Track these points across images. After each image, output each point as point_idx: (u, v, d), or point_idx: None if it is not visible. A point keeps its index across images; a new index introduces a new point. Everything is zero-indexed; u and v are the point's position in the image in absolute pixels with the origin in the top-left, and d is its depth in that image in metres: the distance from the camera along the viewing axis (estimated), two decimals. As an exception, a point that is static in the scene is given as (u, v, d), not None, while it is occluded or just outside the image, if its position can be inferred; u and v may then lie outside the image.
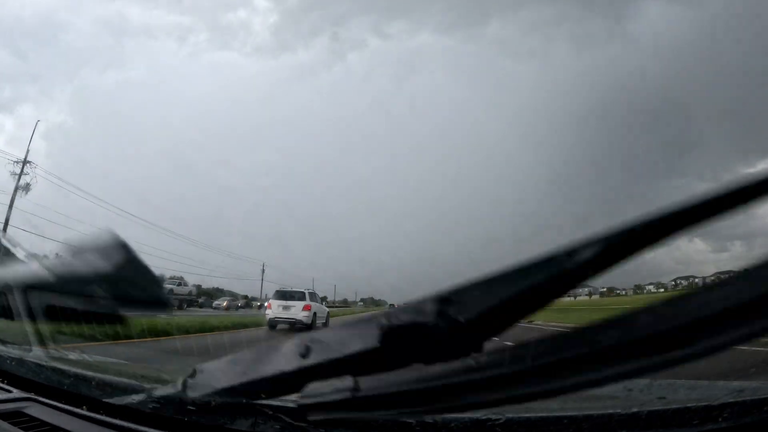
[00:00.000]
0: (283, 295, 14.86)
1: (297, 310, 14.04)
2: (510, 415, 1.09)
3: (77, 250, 1.26)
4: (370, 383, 0.85)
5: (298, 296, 14.69)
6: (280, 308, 14.15)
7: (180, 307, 27.94)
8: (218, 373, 1.07)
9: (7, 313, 1.39)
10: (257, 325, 13.45)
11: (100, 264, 1.19)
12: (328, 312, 17.66)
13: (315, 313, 14.54)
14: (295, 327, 13.50)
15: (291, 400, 1.55)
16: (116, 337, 8.03)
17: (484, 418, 1.06)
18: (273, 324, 14.01)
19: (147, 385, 1.36)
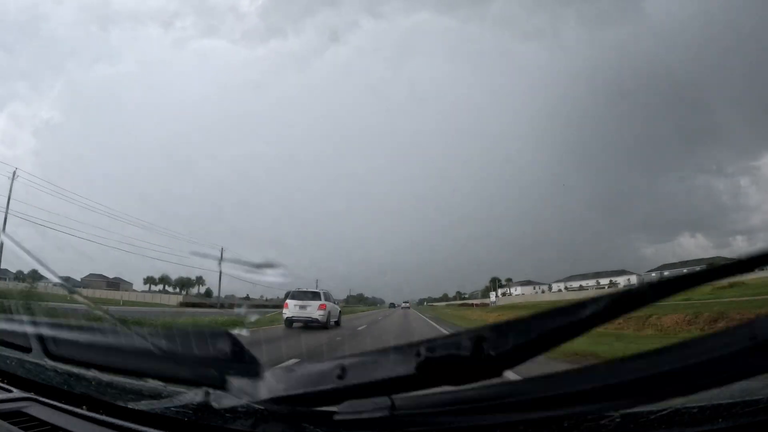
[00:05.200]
0: (300, 295, 15.47)
1: (313, 309, 14.70)
2: (510, 416, 1.09)
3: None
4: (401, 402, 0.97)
5: (314, 296, 15.38)
6: (297, 307, 14.83)
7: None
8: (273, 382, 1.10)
9: (7, 313, 1.39)
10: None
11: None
12: (340, 311, 18.15)
13: (329, 312, 15.01)
14: (310, 325, 14.10)
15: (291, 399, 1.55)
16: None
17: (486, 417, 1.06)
18: (290, 322, 14.61)
19: (147, 385, 1.36)
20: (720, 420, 0.94)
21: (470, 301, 77.13)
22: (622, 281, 71.50)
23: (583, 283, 76.49)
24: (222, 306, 43.38)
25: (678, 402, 1.09)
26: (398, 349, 0.97)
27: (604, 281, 72.53)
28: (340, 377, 0.98)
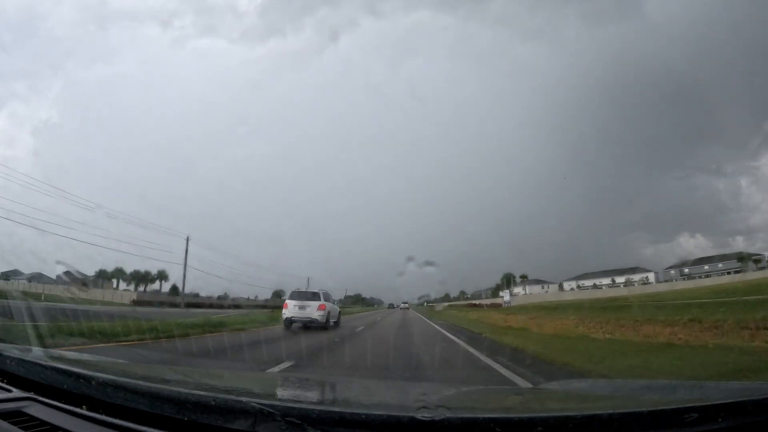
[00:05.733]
0: (299, 295, 15.54)
1: (312, 310, 14.72)
2: (511, 416, 1.09)
3: None
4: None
5: (313, 296, 15.40)
6: (296, 308, 14.87)
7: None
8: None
9: (7, 313, 1.39)
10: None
11: None
12: (340, 311, 18.12)
13: (329, 312, 15.08)
14: (310, 326, 14.10)
15: (291, 400, 1.56)
16: (117, 337, 8.05)
17: (484, 417, 1.06)
18: (289, 323, 14.72)
19: (147, 385, 1.36)
20: (720, 420, 0.94)
21: (476, 302, 67.80)
22: (638, 279, 67.22)
23: (597, 281, 70.39)
24: (187, 306, 37.55)
25: (678, 401, 1.09)
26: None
27: (620, 279, 68.20)
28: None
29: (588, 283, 72.50)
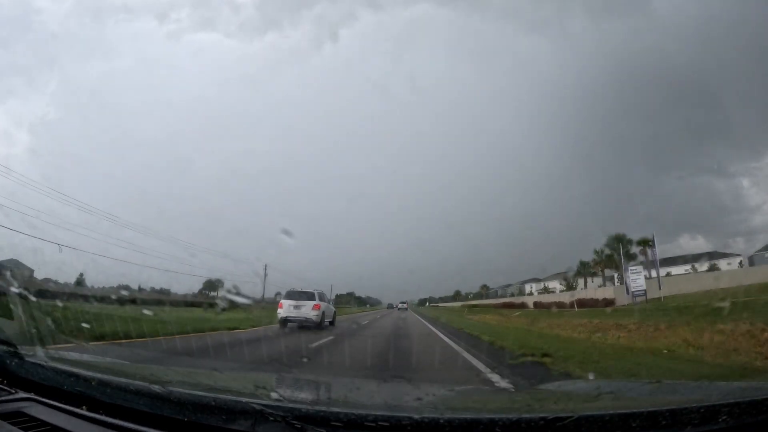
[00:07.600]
0: (294, 294, 15.64)
1: (307, 309, 14.82)
2: (511, 416, 1.10)
3: None
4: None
5: (309, 296, 15.46)
6: (291, 307, 14.96)
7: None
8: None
9: (7, 313, 1.39)
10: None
11: None
12: (335, 311, 18.19)
13: (324, 312, 15.09)
14: (305, 325, 14.17)
15: (291, 400, 1.56)
16: (117, 337, 8.04)
17: (485, 417, 1.06)
18: (284, 322, 14.78)
19: (147, 385, 1.36)
20: (720, 420, 0.94)
21: (519, 299, 44.48)
22: (724, 265, 55.00)
23: (673, 270, 54.65)
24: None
25: (678, 402, 1.09)
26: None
27: (699, 266, 56.28)
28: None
29: (659, 272, 58.70)
